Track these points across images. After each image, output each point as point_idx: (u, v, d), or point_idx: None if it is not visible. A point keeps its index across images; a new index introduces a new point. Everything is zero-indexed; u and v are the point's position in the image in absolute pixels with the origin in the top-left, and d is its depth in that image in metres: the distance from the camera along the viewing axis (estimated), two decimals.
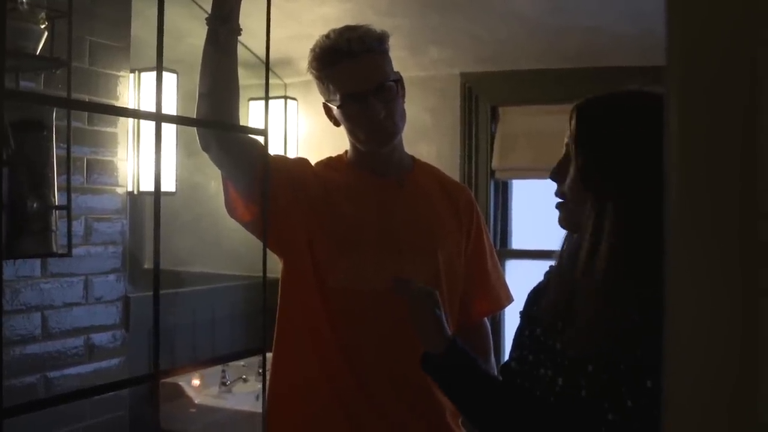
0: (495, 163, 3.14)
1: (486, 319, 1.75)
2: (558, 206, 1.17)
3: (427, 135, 3.17)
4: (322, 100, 1.60)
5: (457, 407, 1.37)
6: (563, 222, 1.17)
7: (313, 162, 1.67)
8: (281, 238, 1.52)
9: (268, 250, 0.75)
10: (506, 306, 1.76)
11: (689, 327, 0.32)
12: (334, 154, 1.70)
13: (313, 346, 1.55)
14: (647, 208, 0.98)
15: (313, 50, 1.54)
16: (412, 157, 1.70)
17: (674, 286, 0.32)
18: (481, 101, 3.14)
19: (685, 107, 0.30)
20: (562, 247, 1.18)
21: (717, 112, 0.29)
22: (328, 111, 1.60)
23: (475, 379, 1.25)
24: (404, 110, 1.59)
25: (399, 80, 1.58)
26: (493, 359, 1.76)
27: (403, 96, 1.60)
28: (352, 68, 1.50)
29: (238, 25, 1.41)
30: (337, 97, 1.53)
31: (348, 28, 1.53)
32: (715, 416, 0.31)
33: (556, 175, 1.15)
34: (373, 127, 1.53)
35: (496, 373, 1.77)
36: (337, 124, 1.60)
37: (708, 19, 0.29)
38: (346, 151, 1.66)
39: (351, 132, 1.57)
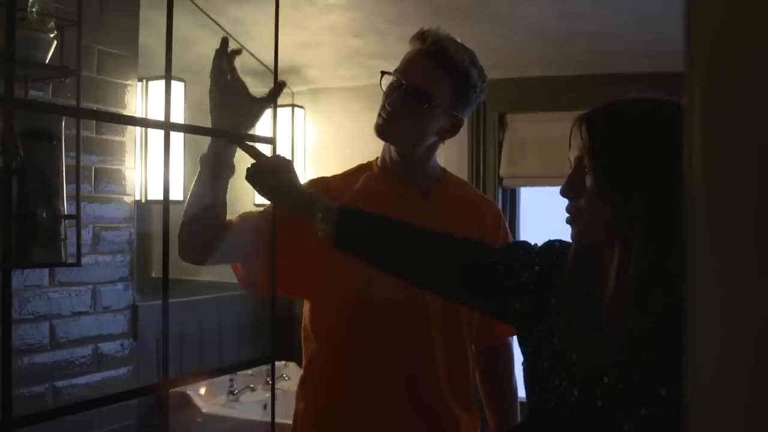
0: (503, 171, 3.13)
1: (510, 338, 1.70)
2: (571, 223, 1.10)
3: None
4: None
5: (383, 263, 1.32)
6: (579, 240, 1.11)
7: (342, 170, 1.66)
8: (286, 286, 1.54)
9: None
10: None
11: (710, 334, 0.31)
12: (340, 163, 1.69)
13: (334, 359, 1.55)
14: (671, 217, 0.96)
15: None
16: (444, 170, 1.68)
17: (695, 293, 0.31)
18: (489, 108, 3.13)
19: (707, 113, 0.29)
20: (577, 258, 1.13)
21: (741, 117, 0.29)
22: None
23: (386, 226, 1.27)
24: (422, 132, 1.54)
25: (445, 112, 1.53)
26: (515, 378, 1.72)
27: (442, 132, 1.57)
28: (409, 55, 1.53)
29: (233, 164, 1.36)
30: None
31: (449, 36, 1.56)
32: (736, 423, 0.31)
33: (569, 192, 1.09)
34: (380, 113, 1.52)
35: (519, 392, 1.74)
36: None
37: (729, 21, 0.29)
38: (377, 158, 1.65)
39: None
